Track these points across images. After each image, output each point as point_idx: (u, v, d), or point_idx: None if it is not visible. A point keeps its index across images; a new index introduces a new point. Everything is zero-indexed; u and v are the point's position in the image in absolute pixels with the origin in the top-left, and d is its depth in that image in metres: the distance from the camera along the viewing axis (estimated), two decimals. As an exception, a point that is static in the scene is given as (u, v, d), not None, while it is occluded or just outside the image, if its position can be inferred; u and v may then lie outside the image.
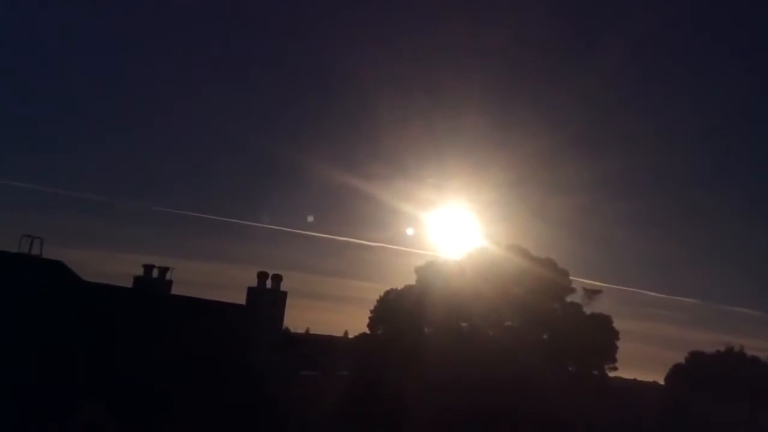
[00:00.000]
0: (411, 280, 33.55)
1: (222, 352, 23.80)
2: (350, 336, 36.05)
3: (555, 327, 34.73)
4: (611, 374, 37.09)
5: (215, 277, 45.88)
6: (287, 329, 32.20)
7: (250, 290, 26.49)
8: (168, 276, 25.53)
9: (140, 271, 25.43)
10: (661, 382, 40.86)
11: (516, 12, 38.26)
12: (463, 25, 40.19)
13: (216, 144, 48.47)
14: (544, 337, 35.25)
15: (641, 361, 48.18)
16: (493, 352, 30.81)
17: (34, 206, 48.23)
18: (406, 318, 31.56)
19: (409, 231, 40.37)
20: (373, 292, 34.46)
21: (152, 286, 25.04)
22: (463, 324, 33.25)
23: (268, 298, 26.42)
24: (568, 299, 35.47)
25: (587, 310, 35.64)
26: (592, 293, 35.87)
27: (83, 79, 51.01)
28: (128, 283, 25.22)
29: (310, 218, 41.52)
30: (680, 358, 39.60)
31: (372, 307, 33.32)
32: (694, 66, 42.33)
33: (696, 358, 38.48)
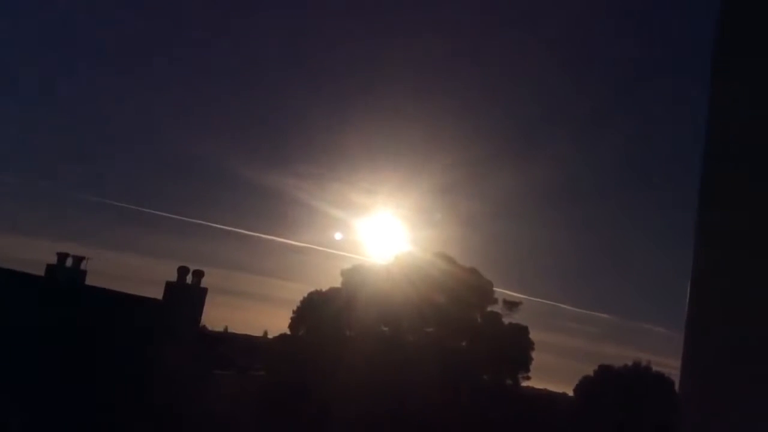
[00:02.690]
0: (337, 282, 33.38)
1: (134, 348, 23.05)
2: (270, 336, 35.46)
3: (474, 335, 35.27)
4: (524, 384, 37.96)
5: (134, 270, 44.21)
6: (204, 327, 31.47)
7: (169, 285, 25.79)
8: (83, 266, 24.47)
9: (53, 259, 24.26)
10: (570, 393, 42.10)
11: (452, 22, 38.64)
12: (398, 32, 40.32)
13: (147, 136, 46.84)
14: (463, 344, 35.74)
15: (553, 373, 49.54)
16: (412, 358, 30.98)
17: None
18: (328, 320, 31.30)
19: (338, 235, 40.16)
20: (296, 292, 33.99)
21: (65, 276, 23.93)
22: (385, 328, 33.29)
23: (187, 293, 25.81)
24: (489, 309, 36.07)
25: (506, 320, 36.36)
26: (511, 305, 36.60)
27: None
28: (40, 272, 23.99)
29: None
30: (590, 370, 40.90)
31: (295, 308, 32.92)
32: (618, 76, 43.90)
33: (604, 371, 39.79)
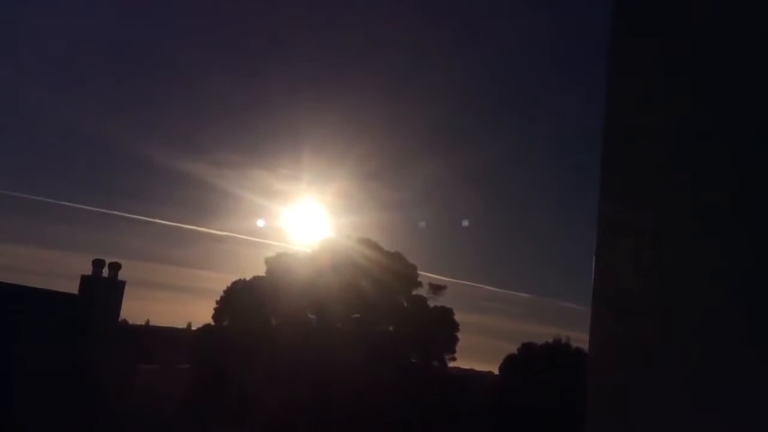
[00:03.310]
0: (260, 271, 33.01)
1: (51, 345, 22.19)
2: (194, 328, 34.76)
3: (400, 319, 35.68)
4: (450, 364, 38.74)
5: (46, 264, 42.36)
6: (125, 321, 30.57)
7: (84, 279, 24.90)
8: (-11, 261, 23.27)
9: (-45, 256, 22.94)
10: (496, 371, 43.23)
11: (374, 11, 38.60)
12: (319, 21, 39.94)
13: (53, 126, 44.68)
14: (390, 329, 36.10)
15: (478, 352, 50.73)
16: (339, 344, 31.07)
17: None
18: (253, 309, 30.97)
19: (260, 222, 39.54)
20: (220, 282, 33.39)
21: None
22: (311, 316, 33.24)
23: (103, 287, 25.00)
24: (414, 293, 36.53)
25: (431, 303, 36.93)
26: (437, 288, 37.20)
27: None
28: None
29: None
30: (514, 349, 42.09)
31: (218, 298, 32.39)
32: (532, 64, 45.01)
33: (527, 349, 41.03)
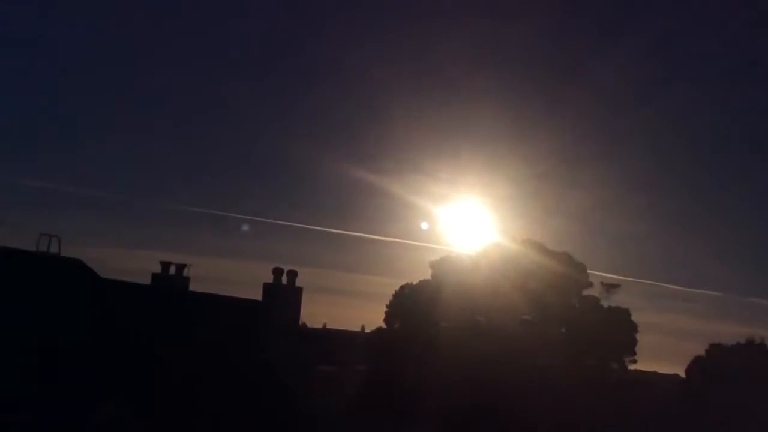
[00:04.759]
0: (426, 275, 33.64)
1: (239, 348, 24.10)
2: (367, 330, 36.17)
3: (573, 321, 34.61)
4: (631, 367, 36.91)
5: (231, 274, 46.32)
6: (304, 324, 32.45)
7: (266, 286, 26.83)
8: (185, 273, 25.93)
9: (158, 268, 25.82)
10: (682, 374, 40.58)
11: (534, 5, 38.01)
12: (478, 19, 40.04)
13: (228, 141, 49.01)
14: (563, 330, 35.13)
15: (661, 354, 47.71)
16: (509, 347, 30.77)
17: (50, 205, 49.08)
18: (421, 313, 31.62)
19: (424, 225, 40.43)
20: (388, 287, 34.56)
21: (170, 283, 25.43)
22: (480, 319, 33.23)
23: (283, 293, 26.76)
24: (586, 293, 35.30)
25: (605, 304, 35.47)
26: (609, 287, 35.66)
27: (94, 78, 51.66)
28: (146, 280, 25.63)
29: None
30: (701, 350, 39.31)
31: (387, 302, 33.45)
32: (715, 64, 41.86)
33: (716, 350, 38.15)
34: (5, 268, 19.20)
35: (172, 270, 25.73)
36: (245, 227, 42.69)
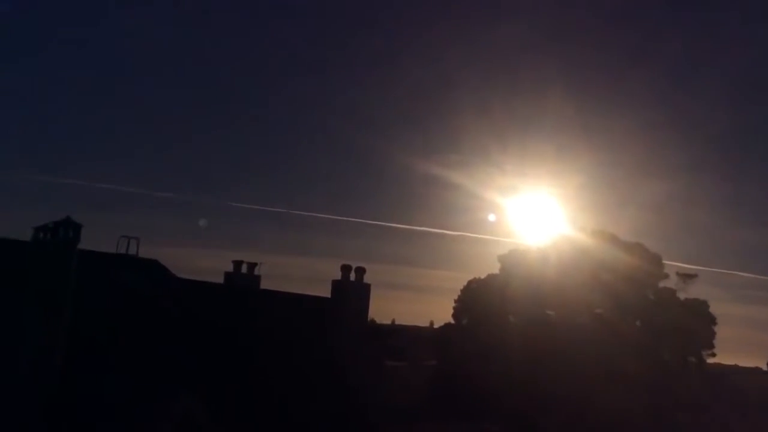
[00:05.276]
0: (494, 268, 33.30)
1: (310, 344, 24.49)
2: (436, 326, 36.12)
3: (648, 314, 33.59)
4: (710, 361, 35.60)
5: (300, 271, 47.09)
6: (373, 320, 32.64)
7: (335, 283, 27.10)
8: (256, 271, 26.46)
9: (230, 267, 26.45)
10: (764, 367, 38.95)
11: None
12: (543, 7, 39.36)
13: (295, 138, 49.83)
14: (637, 323, 34.16)
15: (742, 346, 45.87)
16: (582, 340, 30.14)
17: (126, 207, 51.09)
18: (491, 307, 31.33)
19: (491, 217, 40.03)
20: (456, 281, 34.42)
21: (242, 281, 26.02)
22: (550, 313, 32.67)
23: (352, 290, 26.97)
24: (661, 285, 34.20)
25: (681, 295, 34.29)
26: (686, 277, 34.43)
27: (169, 82, 53.35)
28: (219, 279, 26.31)
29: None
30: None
31: (456, 297, 33.32)
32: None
33: (803, 343, 36.38)
34: (86, 270, 19.99)
35: (244, 268, 26.29)
36: (202, 222, 42.71)
